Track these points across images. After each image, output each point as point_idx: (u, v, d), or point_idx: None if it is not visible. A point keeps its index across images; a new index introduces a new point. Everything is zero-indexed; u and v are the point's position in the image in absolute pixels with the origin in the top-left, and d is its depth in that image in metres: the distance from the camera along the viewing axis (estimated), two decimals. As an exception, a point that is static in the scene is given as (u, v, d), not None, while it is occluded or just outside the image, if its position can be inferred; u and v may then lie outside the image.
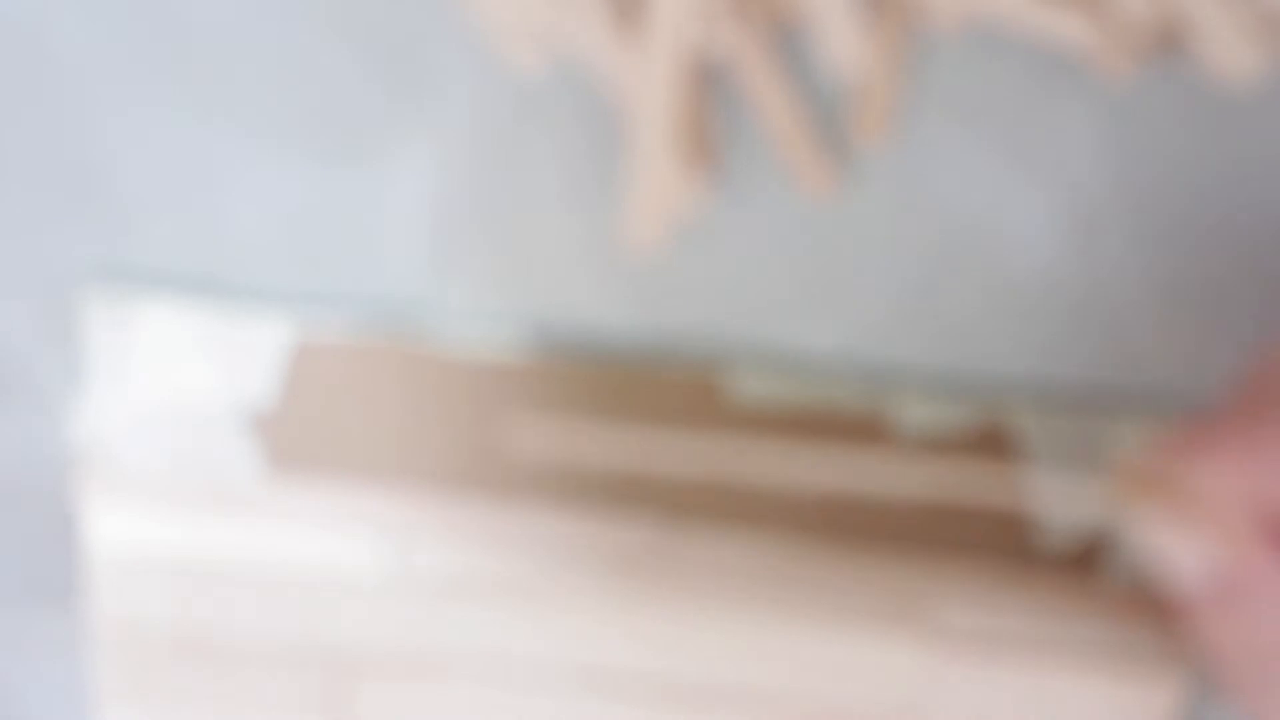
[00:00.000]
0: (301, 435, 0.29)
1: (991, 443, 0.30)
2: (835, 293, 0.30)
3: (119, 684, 0.29)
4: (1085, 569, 0.29)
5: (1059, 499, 0.29)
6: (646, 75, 0.24)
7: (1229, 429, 0.21)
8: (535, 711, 0.29)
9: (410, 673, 0.28)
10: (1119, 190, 0.28)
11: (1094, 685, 0.27)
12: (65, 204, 0.29)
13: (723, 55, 0.25)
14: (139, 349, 0.30)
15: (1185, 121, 0.27)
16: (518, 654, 0.28)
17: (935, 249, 0.29)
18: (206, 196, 0.29)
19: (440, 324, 0.30)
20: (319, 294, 0.30)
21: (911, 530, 0.28)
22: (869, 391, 0.30)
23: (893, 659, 0.28)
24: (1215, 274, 0.29)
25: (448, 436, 0.30)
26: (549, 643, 0.28)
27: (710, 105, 0.26)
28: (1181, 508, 0.21)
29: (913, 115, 0.27)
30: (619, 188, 0.27)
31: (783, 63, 0.26)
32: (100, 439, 0.29)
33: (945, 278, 0.29)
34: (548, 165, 0.28)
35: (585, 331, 0.30)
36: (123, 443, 0.29)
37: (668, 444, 0.30)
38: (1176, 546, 0.22)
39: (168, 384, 0.30)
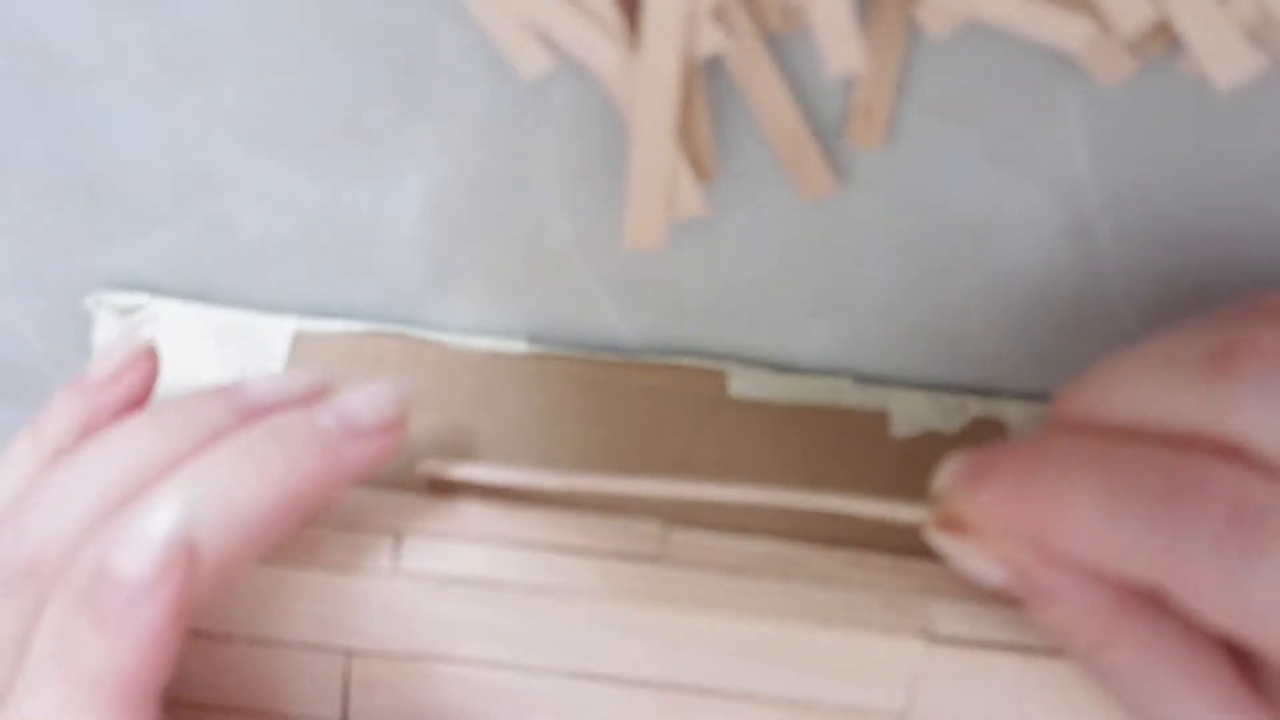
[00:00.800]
0: None
1: (985, 440, 0.30)
2: (832, 293, 0.30)
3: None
4: None
5: None
6: (646, 78, 0.24)
7: (1006, 467, 0.23)
8: (534, 711, 0.29)
9: (408, 667, 0.29)
10: (1113, 190, 0.28)
11: (1075, 682, 0.28)
12: (74, 209, 0.29)
13: (721, 58, 0.25)
14: None
15: (1179, 122, 0.27)
16: (514, 653, 0.28)
17: (930, 249, 0.29)
18: (211, 201, 0.29)
19: (440, 324, 0.31)
20: (322, 296, 0.30)
21: (905, 535, 0.28)
22: (863, 392, 0.30)
23: (885, 662, 0.28)
24: (1209, 273, 0.29)
25: (449, 431, 0.30)
26: (544, 642, 0.28)
27: (709, 107, 0.26)
28: (965, 532, 0.24)
29: (908, 117, 0.27)
30: (619, 189, 0.27)
31: (780, 65, 0.26)
32: None
33: (940, 277, 0.29)
34: (548, 167, 0.28)
35: (583, 331, 0.30)
36: None
37: (663, 445, 0.30)
38: (971, 564, 0.25)
39: (173, 385, 0.30)
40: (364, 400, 0.26)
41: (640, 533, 0.29)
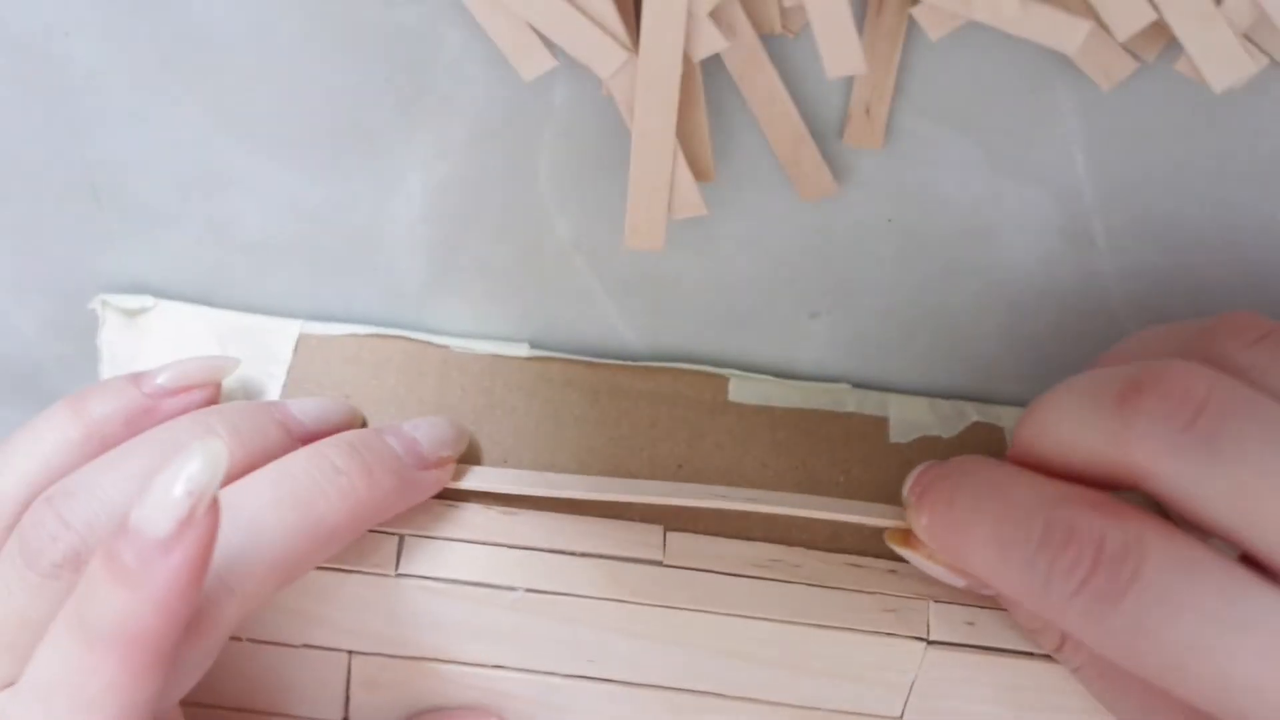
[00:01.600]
0: None
1: (983, 447, 0.30)
2: (831, 293, 0.30)
3: None
4: None
5: None
6: (646, 78, 0.24)
7: (937, 490, 0.25)
8: (535, 712, 0.29)
9: (409, 668, 0.28)
10: (1110, 191, 0.28)
11: (1071, 687, 0.28)
12: (76, 210, 0.29)
13: (721, 58, 0.25)
14: (149, 352, 0.30)
15: (1176, 124, 0.27)
16: (514, 655, 0.28)
17: (928, 249, 0.29)
18: (213, 202, 0.29)
19: (442, 324, 0.31)
20: (324, 296, 0.30)
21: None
22: (862, 398, 0.30)
23: (883, 665, 0.28)
24: (1207, 274, 0.29)
25: None
26: (545, 644, 0.28)
27: (709, 107, 0.26)
28: (916, 546, 0.27)
29: (907, 118, 0.27)
30: (619, 189, 0.27)
31: (780, 65, 0.26)
32: None
33: (938, 277, 0.29)
34: (548, 167, 0.28)
35: (584, 332, 0.30)
36: None
37: (664, 449, 0.30)
38: (931, 570, 0.27)
39: None
40: (427, 432, 0.28)
41: (640, 536, 0.29)
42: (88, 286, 0.30)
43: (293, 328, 0.30)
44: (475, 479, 0.29)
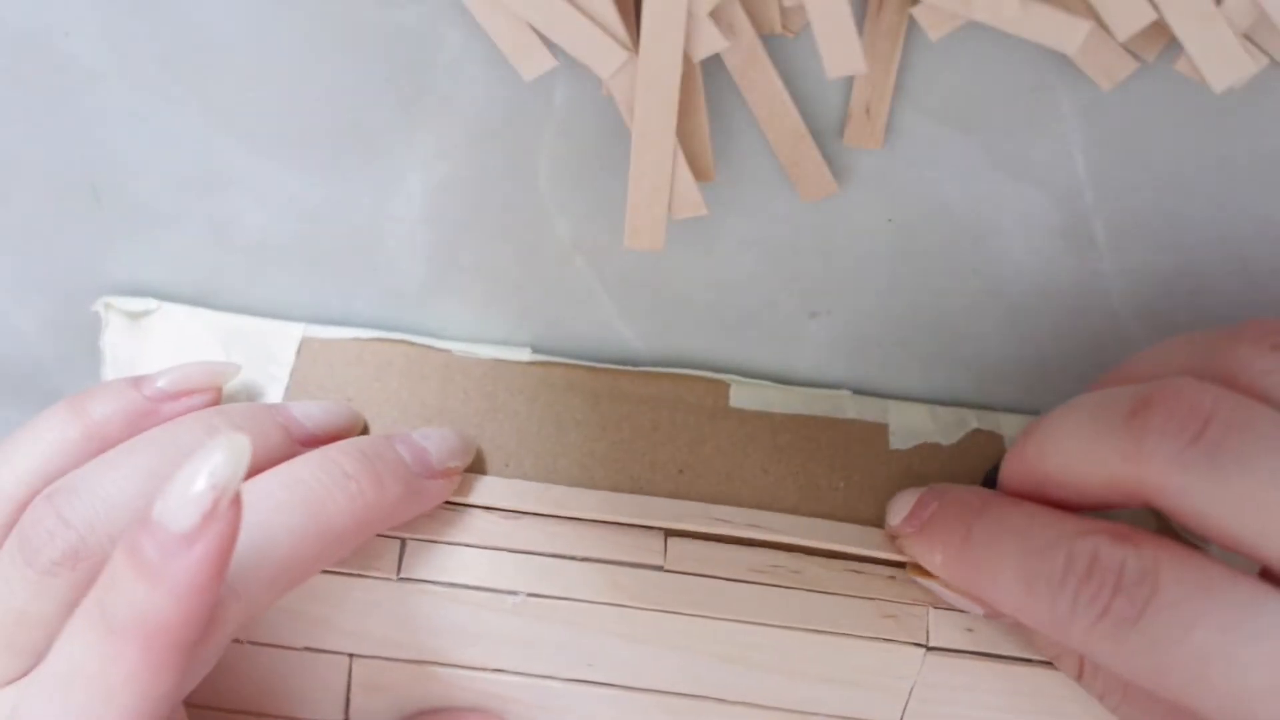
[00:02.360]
0: None
1: (983, 454, 0.30)
2: (831, 293, 0.30)
3: None
4: None
5: None
6: (646, 78, 0.24)
7: (948, 531, 0.26)
8: (535, 716, 0.29)
9: (410, 671, 0.28)
10: (1110, 191, 0.28)
11: (1069, 694, 0.28)
12: (77, 211, 0.29)
13: (721, 58, 0.25)
14: (152, 354, 0.30)
15: (1176, 124, 0.27)
16: (515, 659, 0.28)
17: (928, 249, 0.29)
18: (214, 202, 0.29)
19: (443, 324, 0.31)
20: (324, 296, 0.30)
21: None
22: (862, 404, 0.30)
23: (882, 671, 0.28)
24: (1207, 274, 0.29)
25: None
26: (546, 648, 0.28)
27: (709, 107, 0.26)
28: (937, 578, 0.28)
29: (907, 118, 0.27)
30: (619, 189, 0.27)
31: (780, 65, 0.26)
32: None
33: (938, 278, 0.29)
34: (548, 167, 0.28)
35: (584, 334, 0.30)
36: None
37: (665, 454, 0.30)
38: (951, 599, 0.28)
39: None
40: (437, 442, 0.28)
41: (641, 541, 0.29)
42: (88, 287, 0.30)
43: (295, 330, 0.30)
44: (479, 492, 0.29)
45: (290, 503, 0.24)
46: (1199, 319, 0.30)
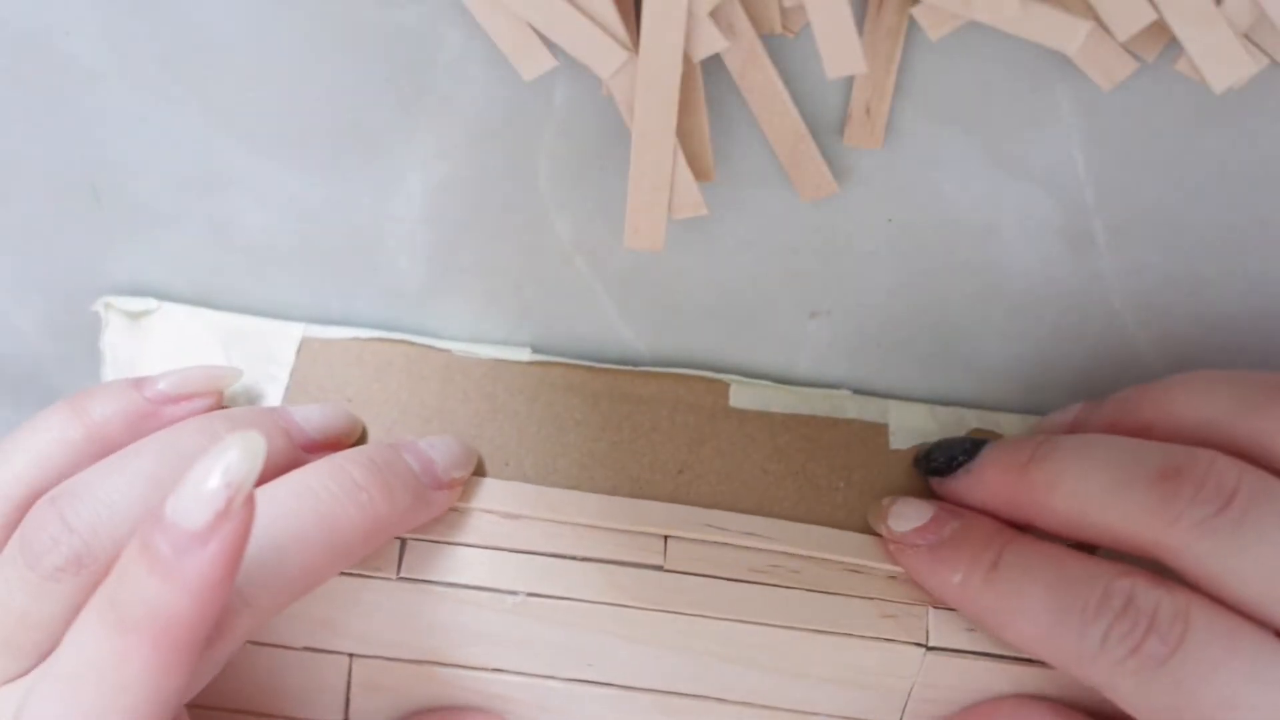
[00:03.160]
0: None
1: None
2: (831, 293, 0.30)
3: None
4: None
5: None
6: (646, 78, 0.24)
7: (972, 559, 0.27)
8: (534, 716, 0.29)
9: (410, 671, 0.28)
10: (1110, 191, 0.28)
11: (1069, 693, 0.28)
12: (77, 211, 0.29)
13: (721, 58, 0.25)
14: (152, 354, 0.30)
15: (1176, 123, 0.27)
16: (515, 659, 0.28)
17: (928, 249, 0.29)
18: (214, 202, 0.29)
19: (443, 324, 0.31)
20: (324, 296, 0.30)
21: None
22: (862, 404, 0.30)
23: (882, 671, 0.28)
24: (1207, 274, 0.29)
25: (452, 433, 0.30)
26: (545, 648, 0.28)
27: (709, 107, 0.26)
28: None
29: (907, 118, 0.27)
30: (619, 189, 0.27)
31: (780, 65, 0.26)
32: None
33: (938, 278, 0.29)
34: (548, 167, 0.28)
35: (584, 334, 0.30)
36: None
37: (665, 454, 0.30)
38: None
39: None
40: (443, 452, 0.28)
41: (641, 541, 0.29)
42: (88, 287, 0.30)
43: (295, 331, 0.30)
44: (479, 496, 0.29)
45: (300, 511, 0.24)
46: (1199, 319, 0.30)
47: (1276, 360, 0.31)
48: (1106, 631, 0.24)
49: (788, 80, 0.26)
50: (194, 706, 0.27)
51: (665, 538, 0.29)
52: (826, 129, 0.27)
